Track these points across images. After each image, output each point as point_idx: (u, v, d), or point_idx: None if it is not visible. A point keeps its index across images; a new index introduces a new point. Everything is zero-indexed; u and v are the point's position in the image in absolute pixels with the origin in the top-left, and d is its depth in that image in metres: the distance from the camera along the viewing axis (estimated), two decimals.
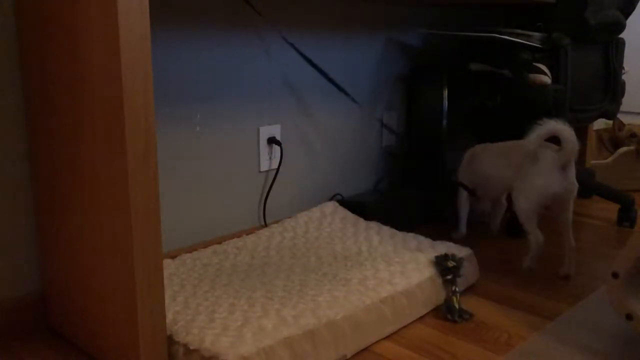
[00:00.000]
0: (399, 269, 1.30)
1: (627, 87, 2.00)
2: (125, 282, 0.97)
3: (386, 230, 1.57)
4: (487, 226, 1.82)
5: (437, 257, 1.34)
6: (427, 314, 1.28)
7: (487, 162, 1.65)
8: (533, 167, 1.45)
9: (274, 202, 1.68)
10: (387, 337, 1.19)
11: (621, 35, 1.93)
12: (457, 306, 1.27)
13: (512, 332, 1.21)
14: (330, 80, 1.63)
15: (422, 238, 1.50)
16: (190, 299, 1.15)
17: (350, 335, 1.11)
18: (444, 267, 1.31)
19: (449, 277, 1.30)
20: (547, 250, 1.63)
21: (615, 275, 1.11)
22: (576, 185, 1.46)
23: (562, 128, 1.39)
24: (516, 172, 1.50)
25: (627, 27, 1.86)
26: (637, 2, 1.89)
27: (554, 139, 1.43)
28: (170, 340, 1.02)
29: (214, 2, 1.44)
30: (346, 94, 1.68)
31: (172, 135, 1.41)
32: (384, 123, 1.95)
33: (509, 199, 1.72)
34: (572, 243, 1.49)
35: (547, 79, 1.70)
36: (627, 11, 1.87)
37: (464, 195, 1.73)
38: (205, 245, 1.46)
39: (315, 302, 1.14)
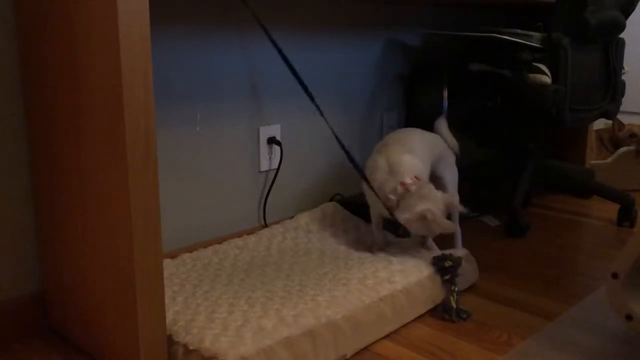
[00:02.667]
0: (399, 267, 1.30)
1: (627, 87, 2.00)
2: (125, 282, 0.97)
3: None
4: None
5: (434, 258, 1.34)
6: (426, 313, 1.28)
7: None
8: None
9: (274, 202, 1.68)
10: (387, 337, 1.19)
11: (621, 35, 1.93)
12: (454, 305, 1.27)
13: (512, 332, 1.21)
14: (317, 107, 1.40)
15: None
16: (190, 299, 1.15)
17: (350, 334, 1.11)
18: (442, 267, 1.31)
19: (447, 277, 1.30)
20: (546, 250, 1.63)
21: (615, 275, 1.11)
22: None
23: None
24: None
25: (627, 27, 1.86)
26: (637, 2, 1.89)
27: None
28: (170, 340, 1.02)
29: (215, 2, 1.44)
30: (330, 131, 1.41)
31: (172, 135, 1.41)
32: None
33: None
34: None
35: (547, 79, 1.70)
36: (627, 11, 1.87)
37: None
38: (205, 245, 1.46)
39: (315, 301, 1.14)
